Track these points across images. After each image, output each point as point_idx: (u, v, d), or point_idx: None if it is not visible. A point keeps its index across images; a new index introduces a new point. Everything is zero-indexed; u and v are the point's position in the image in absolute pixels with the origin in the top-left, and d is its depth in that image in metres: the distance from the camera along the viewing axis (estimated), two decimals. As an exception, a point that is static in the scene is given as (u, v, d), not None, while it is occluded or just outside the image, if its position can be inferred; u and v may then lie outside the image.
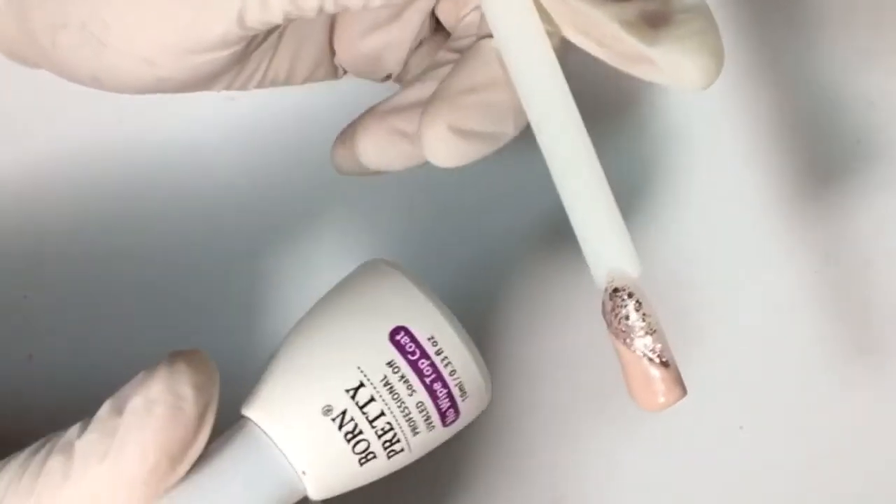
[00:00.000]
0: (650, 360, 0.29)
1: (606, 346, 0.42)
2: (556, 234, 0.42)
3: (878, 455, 0.41)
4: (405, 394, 0.30)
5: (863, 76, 0.39)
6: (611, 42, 0.30)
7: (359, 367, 0.30)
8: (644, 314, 0.29)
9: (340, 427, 0.30)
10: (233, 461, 0.30)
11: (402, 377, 0.30)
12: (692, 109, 0.41)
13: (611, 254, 0.30)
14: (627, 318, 0.29)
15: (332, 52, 0.37)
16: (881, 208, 0.40)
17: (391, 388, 0.30)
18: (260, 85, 0.36)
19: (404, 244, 0.41)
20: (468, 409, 0.32)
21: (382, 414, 0.30)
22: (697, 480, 0.42)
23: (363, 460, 0.30)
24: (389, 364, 0.30)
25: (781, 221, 0.41)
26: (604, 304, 0.30)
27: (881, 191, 0.40)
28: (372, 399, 0.30)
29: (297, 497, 0.31)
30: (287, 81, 0.37)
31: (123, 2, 0.30)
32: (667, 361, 0.29)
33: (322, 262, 0.41)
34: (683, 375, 0.41)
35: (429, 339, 0.31)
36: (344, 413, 0.30)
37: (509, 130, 0.31)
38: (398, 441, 0.30)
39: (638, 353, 0.29)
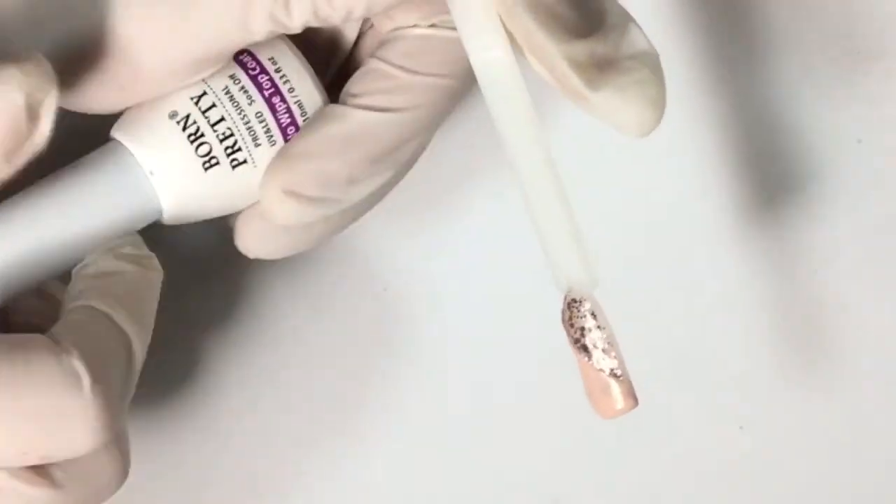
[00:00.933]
0: (603, 370, 0.30)
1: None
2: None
3: (879, 455, 0.41)
4: (245, 103, 0.33)
5: (862, 76, 0.39)
6: (559, 76, 0.30)
7: (203, 80, 0.33)
8: (599, 326, 0.30)
9: (184, 129, 0.33)
10: (91, 166, 0.33)
11: (242, 88, 0.33)
12: (689, 112, 0.41)
13: (570, 266, 0.31)
14: (583, 329, 0.30)
15: None
16: (881, 208, 0.40)
17: (231, 96, 0.33)
18: None
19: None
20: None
21: (223, 119, 0.33)
22: (697, 480, 0.42)
23: (207, 165, 0.33)
24: (231, 77, 0.33)
25: (781, 221, 0.41)
26: (562, 314, 0.31)
27: (881, 191, 0.40)
28: (213, 105, 0.33)
29: (154, 210, 0.33)
30: None
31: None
32: (619, 374, 0.30)
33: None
34: (683, 375, 0.42)
35: (269, 59, 0.34)
36: (188, 117, 0.33)
37: (343, 198, 0.32)
38: (239, 150, 0.33)
39: (594, 363, 0.30)
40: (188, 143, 0.33)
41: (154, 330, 0.32)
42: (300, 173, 0.32)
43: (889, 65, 0.39)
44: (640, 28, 0.31)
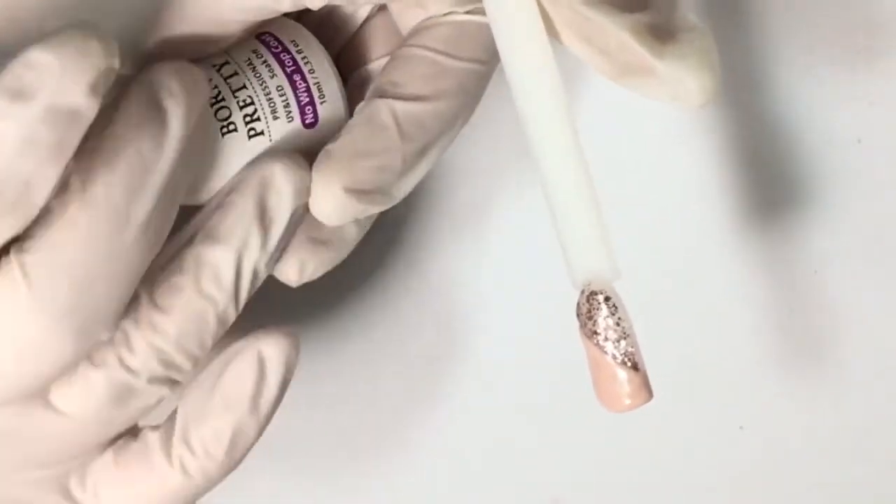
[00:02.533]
0: (622, 363, 0.30)
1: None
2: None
3: (879, 455, 0.41)
4: (267, 75, 0.34)
5: (863, 76, 0.39)
6: (616, 51, 0.30)
7: (226, 51, 0.33)
8: (619, 318, 0.30)
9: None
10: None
11: (265, 62, 0.34)
12: (690, 112, 0.41)
13: (591, 258, 0.30)
14: (602, 321, 0.30)
15: None
16: (881, 208, 0.40)
17: (254, 68, 0.34)
18: None
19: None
20: (326, 117, 0.34)
21: (244, 87, 0.33)
22: (697, 480, 0.42)
23: (224, 130, 0.33)
24: (254, 51, 0.34)
25: (780, 221, 0.41)
26: (579, 305, 0.30)
27: (881, 191, 0.40)
28: (236, 73, 0.33)
29: None
30: None
31: None
32: (637, 365, 0.30)
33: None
34: (683, 375, 0.41)
35: (291, 41, 0.34)
36: (209, 81, 0.32)
37: (397, 192, 0.32)
38: (258, 119, 0.33)
39: (609, 355, 0.30)
40: (208, 107, 0.33)
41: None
42: (360, 170, 0.31)
43: (889, 65, 0.39)
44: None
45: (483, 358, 0.43)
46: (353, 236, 0.34)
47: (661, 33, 0.30)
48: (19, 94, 0.25)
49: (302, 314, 0.42)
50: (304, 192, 0.31)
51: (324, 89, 0.34)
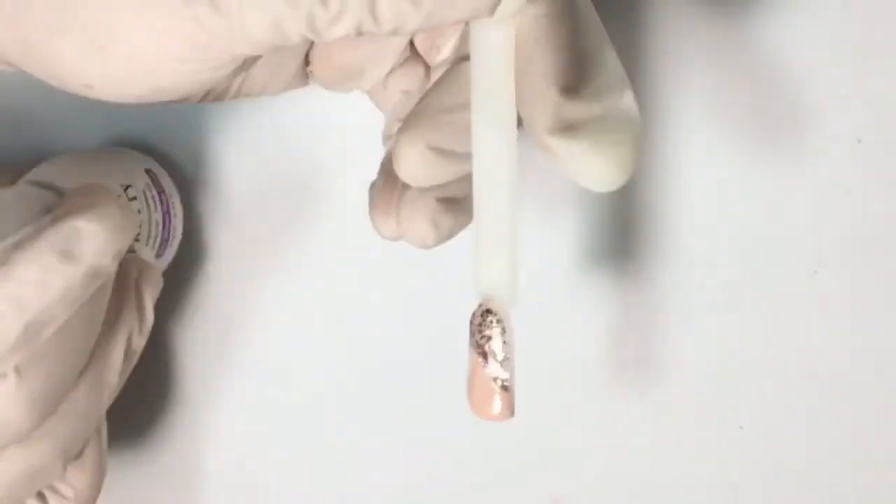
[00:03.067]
0: (496, 381, 0.31)
1: (606, 346, 0.42)
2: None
3: (879, 455, 0.41)
4: (153, 208, 0.40)
5: (862, 76, 0.39)
6: (538, 114, 0.30)
7: (129, 176, 0.40)
8: (504, 342, 0.31)
9: (130, 200, 0.39)
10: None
11: (153, 197, 0.40)
12: (691, 110, 0.41)
13: (496, 278, 0.31)
14: (489, 339, 0.31)
15: (306, 62, 0.37)
16: (881, 208, 0.40)
17: (145, 198, 0.40)
18: (235, 96, 0.37)
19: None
20: (167, 256, 0.42)
21: (140, 212, 0.39)
22: (697, 480, 0.42)
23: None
24: (147, 184, 0.40)
25: (781, 221, 0.41)
26: (474, 315, 0.31)
27: (881, 191, 0.40)
28: (136, 198, 0.39)
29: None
30: (262, 93, 0.38)
31: (133, 15, 0.30)
32: (508, 388, 0.32)
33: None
34: (684, 375, 0.41)
35: (166, 185, 0.41)
36: (118, 198, 0.36)
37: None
38: (138, 240, 0.39)
39: (488, 370, 0.31)
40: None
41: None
42: (444, 127, 0.32)
43: (889, 65, 0.39)
44: (633, 95, 0.30)
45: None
46: None
47: (587, 119, 0.29)
48: (68, 256, 0.31)
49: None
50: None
51: (175, 233, 0.42)
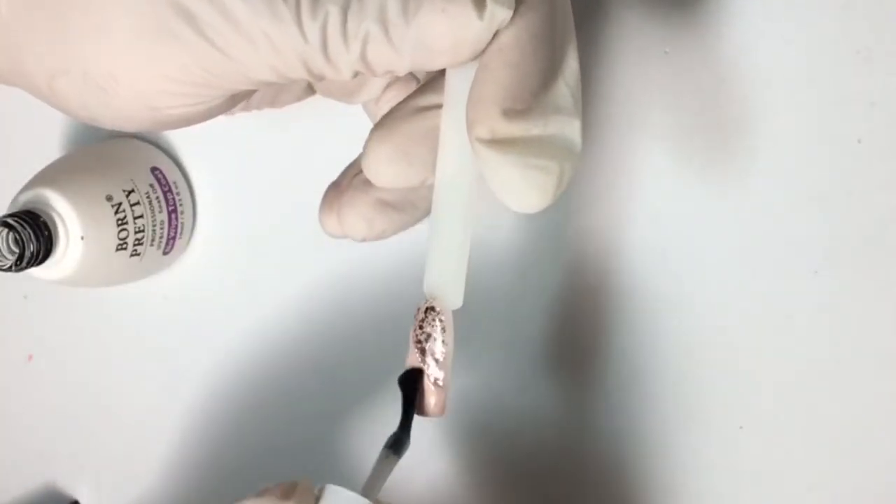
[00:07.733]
0: (431, 376, 0.33)
1: (607, 349, 0.42)
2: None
3: (879, 455, 0.41)
4: (157, 209, 0.42)
5: (863, 76, 0.39)
6: (480, 131, 0.30)
7: (132, 179, 0.41)
8: (444, 341, 0.33)
9: (115, 213, 0.40)
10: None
11: (158, 197, 0.42)
12: (691, 110, 0.41)
13: (445, 280, 0.33)
14: (429, 336, 0.33)
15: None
16: (881, 208, 0.40)
17: (150, 201, 0.41)
18: (245, 109, 0.37)
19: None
20: (177, 250, 0.44)
21: (142, 216, 0.41)
22: (697, 480, 0.42)
23: (119, 247, 0.41)
24: (151, 185, 0.42)
25: (781, 221, 0.41)
26: (419, 310, 0.33)
27: (881, 191, 0.40)
28: (139, 202, 0.41)
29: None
30: (271, 107, 0.39)
31: (133, 58, 0.30)
32: (441, 384, 0.33)
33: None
34: (684, 375, 0.42)
35: (173, 182, 0.43)
36: (120, 205, 0.40)
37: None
38: (141, 244, 0.41)
39: (425, 365, 0.33)
40: (115, 226, 0.40)
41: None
42: (411, 131, 0.33)
43: (889, 65, 0.39)
44: (579, 126, 0.30)
45: (484, 359, 0.43)
46: (424, 204, 0.35)
47: (526, 138, 0.29)
48: None
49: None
50: None
51: (184, 228, 0.43)
